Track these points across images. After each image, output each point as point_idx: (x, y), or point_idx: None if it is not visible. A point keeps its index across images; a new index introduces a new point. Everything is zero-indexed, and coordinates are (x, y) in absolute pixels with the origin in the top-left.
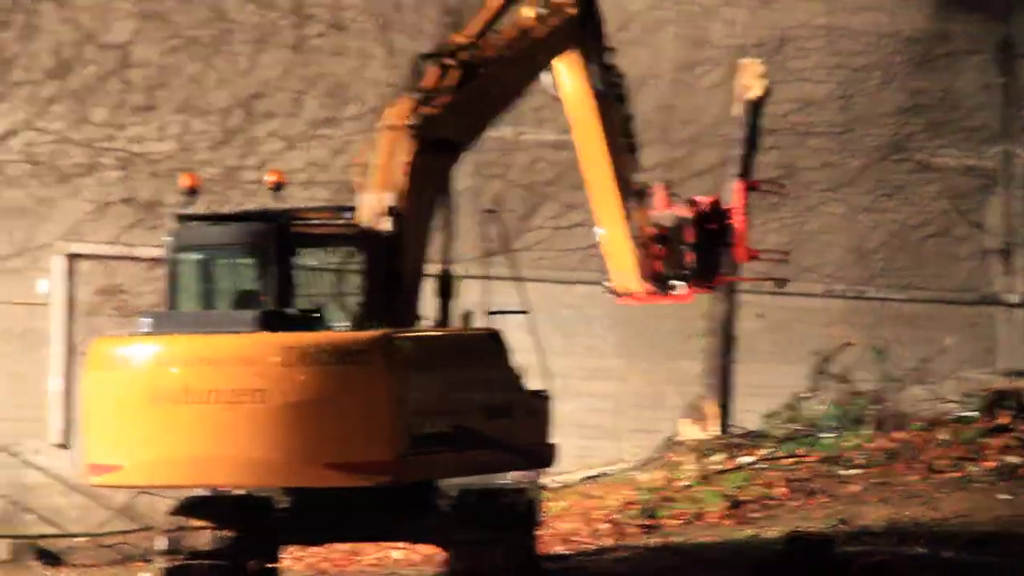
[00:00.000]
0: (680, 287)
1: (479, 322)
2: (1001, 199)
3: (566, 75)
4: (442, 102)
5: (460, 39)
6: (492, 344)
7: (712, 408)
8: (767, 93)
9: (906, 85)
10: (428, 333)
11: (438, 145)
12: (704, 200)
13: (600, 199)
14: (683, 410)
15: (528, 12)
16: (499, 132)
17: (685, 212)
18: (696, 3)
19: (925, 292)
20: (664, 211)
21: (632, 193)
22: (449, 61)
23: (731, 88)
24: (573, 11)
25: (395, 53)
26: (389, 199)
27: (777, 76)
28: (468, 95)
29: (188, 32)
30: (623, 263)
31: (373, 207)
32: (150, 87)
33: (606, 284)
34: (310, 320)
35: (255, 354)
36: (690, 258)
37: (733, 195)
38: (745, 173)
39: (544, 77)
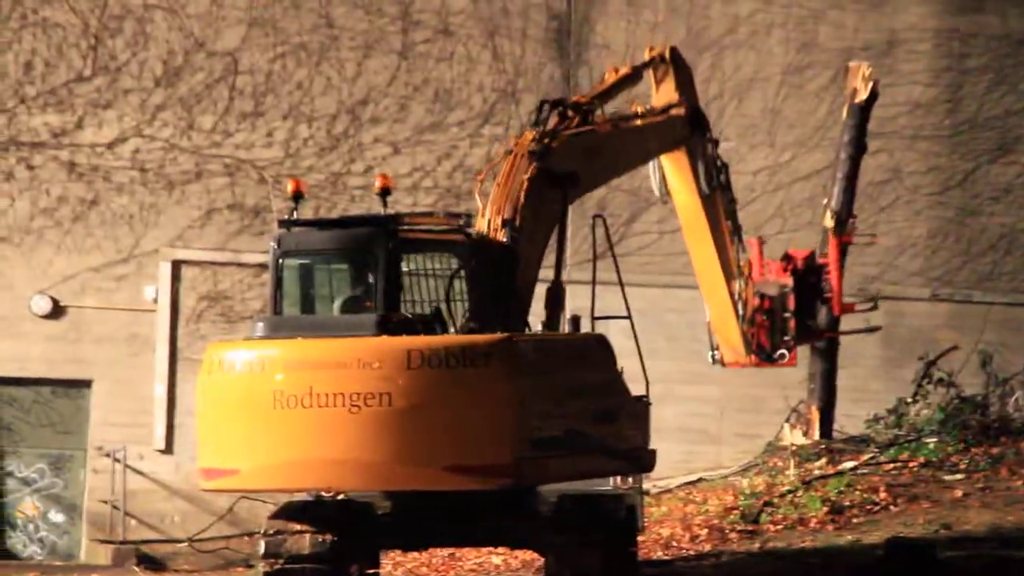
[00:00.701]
0: (785, 356)
1: (586, 327)
2: None
3: (672, 174)
4: (562, 140)
5: (579, 99)
6: (600, 349)
7: (815, 412)
8: (874, 96)
9: (1015, 88)
10: (544, 336)
11: (556, 176)
12: (799, 255)
13: (707, 284)
14: (787, 415)
15: (638, 108)
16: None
17: (783, 276)
18: (804, 6)
19: None
20: (766, 280)
21: (737, 274)
22: (570, 112)
23: (839, 91)
24: (680, 112)
25: (501, 58)
26: (506, 213)
27: (886, 79)
28: (586, 142)
29: (295, 39)
30: (731, 339)
31: (490, 221)
32: (257, 94)
33: (715, 354)
34: (427, 324)
35: (378, 357)
36: (793, 324)
37: (829, 249)
38: (852, 177)
39: (652, 179)
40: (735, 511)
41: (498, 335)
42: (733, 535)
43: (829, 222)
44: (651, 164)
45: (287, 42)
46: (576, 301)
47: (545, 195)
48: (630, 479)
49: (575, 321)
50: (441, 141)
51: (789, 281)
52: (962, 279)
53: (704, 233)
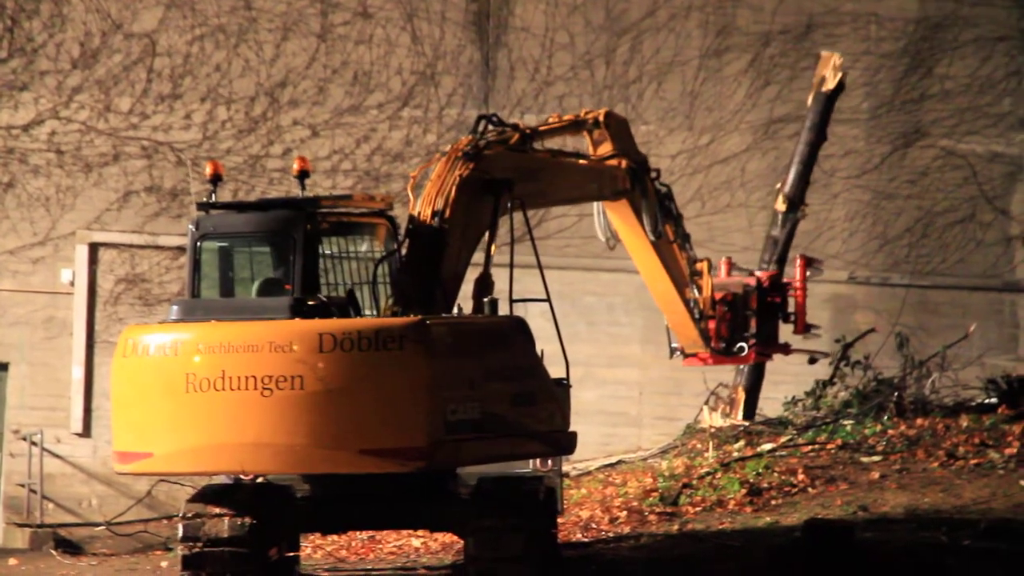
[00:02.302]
0: (744, 349)
1: (504, 310)
2: None
3: (618, 221)
4: (497, 151)
5: (520, 124)
6: (518, 332)
7: (741, 394)
8: (841, 86)
9: (931, 71)
10: (460, 319)
11: (489, 182)
12: (764, 274)
13: (661, 297)
14: (706, 398)
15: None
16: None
17: (749, 281)
18: None
19: (949, 279)
20: (731, 279)
21: (689, 280)
22: (508, 130)
23: (757, 75)
24: (619, 164)
25: (420, 41)
26: (436, 205)
27: (804, 63)
28: (522, 162)
29: (214, 20)
30: (687, 333)
31: (422, 209)
32: (175, 76)
33: (674, 346)
34: (344, 307)
35: (292, 341)
36: (754, 323)
37: (796, 270)
38: (809, 164)
39: (596, 224)
40: (654, 493)
41: (412, 318)
42: (652, 517)
43: (781, 206)
44: (595, 208)
45: (205, 24)
46: (497, 284)
47: (478, 198)
48: (549, 462)
49: (493, 304)
50: (360, 124)
51: (753, 282)
52: (879, 262)
53: (657, 267)
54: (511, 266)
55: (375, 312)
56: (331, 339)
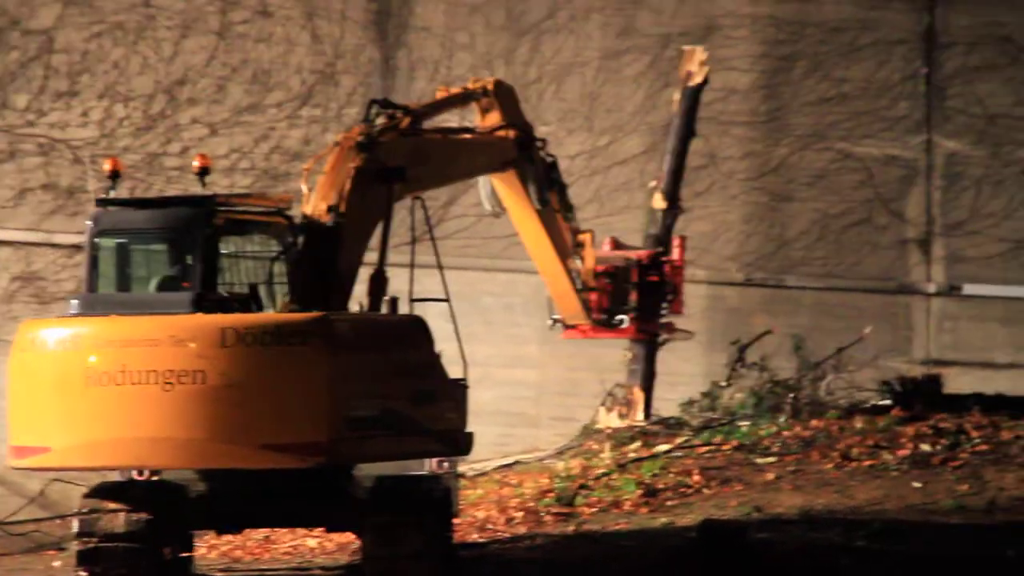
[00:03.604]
0: (624, 321)
1: (404, 309)
2: (922, 189)
3: (504, 192)
4: (390, 137)
5: (411, 103)
6: (418, 330)
7: (639, 394)
8: (707, 80)
9: (829, 75)
10: (362, 316)
11: (383, 171)
12: (644, 253)
13: (544, 267)
14: (603, 398)
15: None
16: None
17: (631, 255)
18: None
19: (844, 281)
20: (613, 253)
21: (573, 252)
22: (399, 113)
23: (657, 76)
24: (509, 134)
25: (320, 40)
26: (330, 200)
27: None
28: (414, 146)
29: (112, 18)
30: (569, 303)
31: (316, 204)
32: (73, 73)
33: (553, 318)
34: (245, 302)
35: (193, 335)
36: (634, 296)
37: (674, 250)
38: (680, 160)
39: (481, 193)
40: (550, 494)
41: (315, 314)
42: (548, 518)
43: (660, 203)
44: (480, 179)
45: (104, 21)
46: (395, 283)
47: (371, 188)
48: (446, 462)
49: (393, 303)
50: (259, 122)
51: (634, 256)
52: (775, 264)
53: (542, 237)
54: (412, 266)
55: (274, 310)
56: (233, 334)
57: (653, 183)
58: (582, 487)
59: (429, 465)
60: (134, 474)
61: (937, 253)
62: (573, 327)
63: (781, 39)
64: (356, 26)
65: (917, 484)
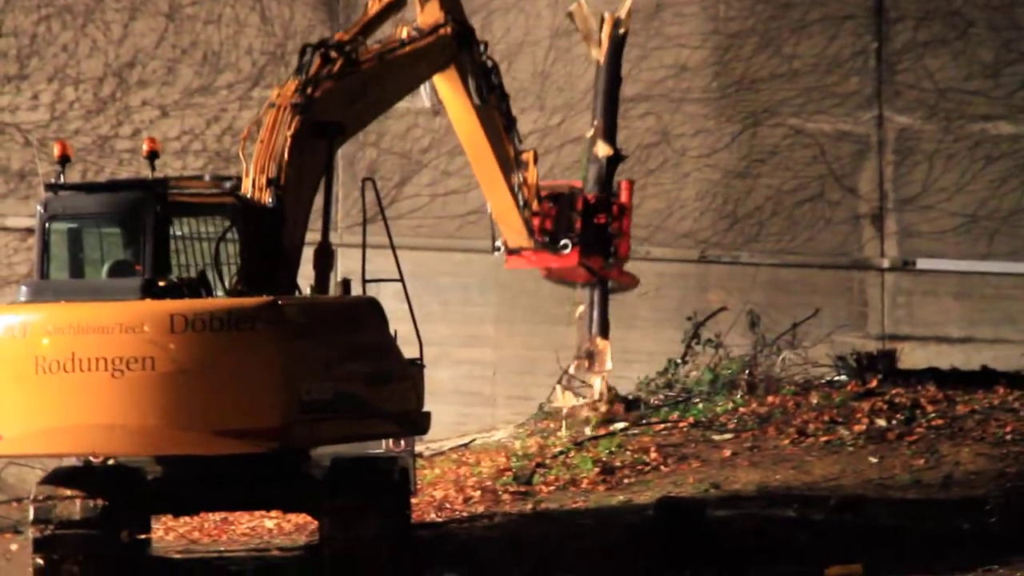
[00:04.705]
0: (568, 247)
1: (356, 291)
2: (874, 164)
3: (444, 89)
4: (325, 87)
5: (342, 36)
6: (371, 312)
7: (602, 343)
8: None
9: (780, 51)
10: (313, 300)
11: (321, 126)
12: (591, 195)
13: (486, 181)
14: (559, 376)
15: (404, 33)
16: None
17: (576, 184)
18: None
19: (798, 257)
20: (558, 182)
21: (515, 166)
22: (333, 53)
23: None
24: (446, 31)
25: (270, 21)
26: (270, 172)
27: (653, 42)
28: (351, 86)
29: (60, 1)
30: (512, 223)
31: (255, 180)
32: (22, 56)
33: (497, 244)
34: (195, 288)
35: (141, 321)
36: (579, 224)
37: (621, 192)
38: (615, 107)
39: (423, 92)
40: (508, 473)
41: (264, 298)
42: (506, 497)
43: (606, 150)
44: None
45: (52, 4)
46: (348, 264)
47: (310, 148)
48: (403, 442)
49: (345, 284)
50: (210, 104)
51: (579, 184)
52: (729, 240)
53: (480, 138)
54: (363, 246)
55: (225, 293)
56: (182, 320)
57: (591, 132)
58: (539, 466)
59: (386, 445)
60: (91, 459)
61: (890, 228)
62: (517, 253)
63: (731, 16)
64: (306, 7)
65: (873, 459)
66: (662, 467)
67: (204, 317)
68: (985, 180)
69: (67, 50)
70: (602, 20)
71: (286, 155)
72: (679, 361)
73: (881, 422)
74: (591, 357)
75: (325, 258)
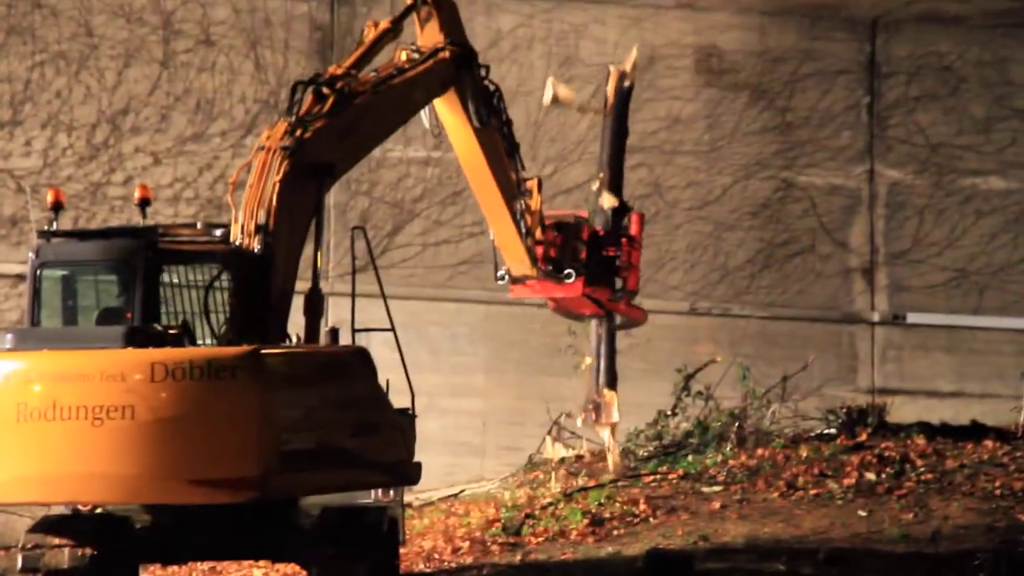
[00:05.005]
0: (571, 276)
1: (346, 339)
2: (865, 218)
3: (444, 111)
4: (316, 127)
5: (336, 70)
6: (359, 362)
7: (609, 395)
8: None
9: (773, 104)
10: (296, 349)
11: (311, 168)
12: (600, 229)
13: (489, 207)
14: (549, 427)
15: (403, 55)
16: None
17: (582, 214)
18: (566, 21)
19: (789, 310)
20: (563, 212)
21: (519, 193)
22: (325, 90)
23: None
24: (446, 55)
25: (263, 69)
26: (259, 218)
27: (646, 94)
28: (342, 123)
29: (55, 47)
30: (515, 251)
31: (244, 226)
32: (15, 102)
33: (501, 272)
34: (178, 336)
35: (122, 370)
36: (584, 255)
37: (631, 224)
38: (621, 159)
39: (423, 113)
40: (497, 523)
41: (245, 348)
42: (495, 547)
43: (611, 202)
44: None
45: (46, 50)
46: (339, 313)
47: (299, 192)
48: (392, 492)
49: (334, 333)
50: (203, 152)
51: (585, 215)
52: (720, 293)
53: (481, 162)
54: (353, 295)
55: (216, 341)
56: (163, 368)
57: (596, 183)
58: (528, 516)
59: (375, 495)
60: (79, 507)
61: (880, 282)
62: (521, 282)
63: (724, 69)
64: (300, 55)
65: (863, 513)
66: (651, 519)
67: (184, 366)
68: (975, 235)
69: (60, 96)
70: (621, 75)
71: (275, 200)
72: (669, 413)
73: (870, 476)
74: (598, 409)
75: (316, 305)
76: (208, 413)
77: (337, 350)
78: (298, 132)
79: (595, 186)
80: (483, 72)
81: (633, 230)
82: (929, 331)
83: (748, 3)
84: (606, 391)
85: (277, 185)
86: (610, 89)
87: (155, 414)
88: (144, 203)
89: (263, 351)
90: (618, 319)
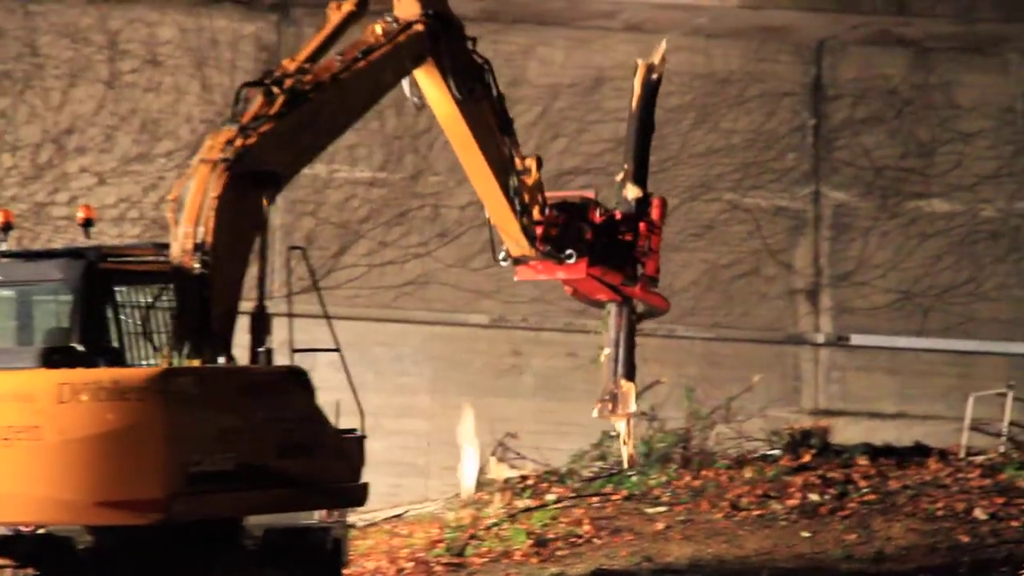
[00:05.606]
0: (572, 257)
1: (285, 360)
2: (810, 240)
3: (425, 83)
4: (263, 131)
5: (290, 64)
6: (292, 382)
7: (627, 386)
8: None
9: (717, 126)
10: (215, 369)
11: (255, 178)
12: (618, 212)
13: (480, 184)
14: (493, 448)
15: (377, 28)
16: (312, 169)
17: (589, 195)
18: (513, 43)
19: (733, 331)
20: (570, 192)
21: (514, 170)
22: (275, 89)
23: (547, 127)
24: (420, 28)
25: (210, 89)
26: (198, 235)
27: (592, 116)
28: (294, 123)
29: None
30: (509, 230)
31: (182, 244)
32: None
33: (502, 254)
34: (103, 356)
35: (30, 391)
36: (590, 236)
37: (652, 209)
38: (646, 151)
39: (404, 84)
40: (441, 544)
41: (153, 369)
42: (439, 568)
43: (636, 192)
44: None
45: None
46: (286, 333)
47: (241, 205)
48: (336, 512)
49: (268, 353)
50: (148, 172)
51: (592, 195)
52: (665, 315)
53: (467, 136)
54: (290, 315)
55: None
56: (70, 389)
57: (620, 175)
58: (472, 537)
59: (319, 515)
60: (20, 528)
61: (825, 304)
62: (525, 263)
63: (670, 90)
64: (246, 75)
65: (806, 533)
66: (595, 540)
67: (92, 387)
68: (919, 257)
69: (5, 116)
70: (649, 67)
71: (213, 217)
72: (613, 433)
73: (814, 497)
74: (615, 399)
75: (261, 322)
76: (114, 435)
77: (264, 370)
78: (239, 142)
79: (619, 177)
80: (469, 45)
81: (654, 215)
82: (873, 353)
83: (695, 25)
84: (623, 381)
85: (215, 200)
86: (637, 81)
87: (62, 435)
88: (88, 223)
89: (173, 372)
90: (639, 307)
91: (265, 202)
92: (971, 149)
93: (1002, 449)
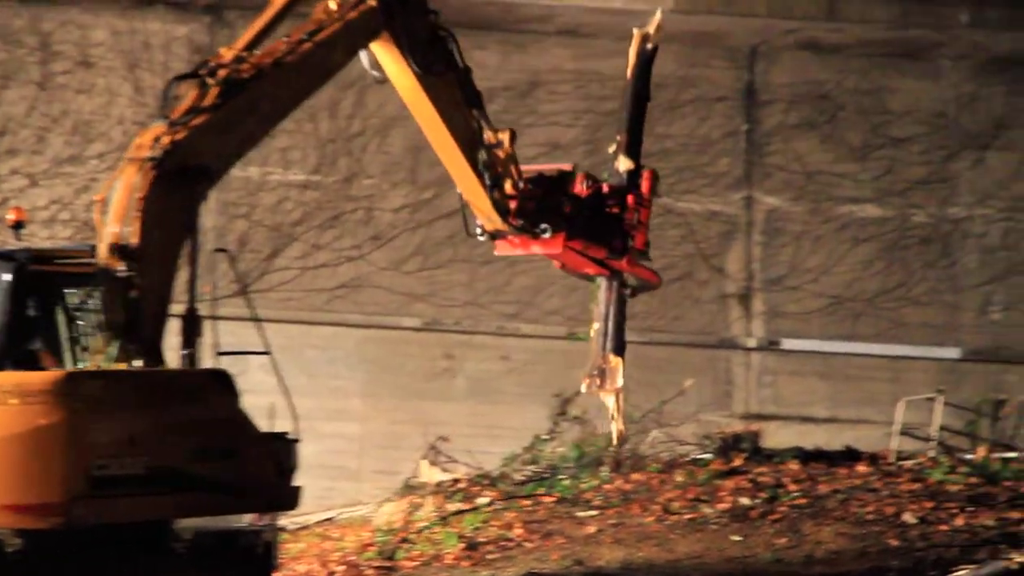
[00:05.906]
0: (548, 231)
1: (208, 362)
2: (742, 244)
3: (383, 58)
4: (195, 125)
5: (227, 54)
6: (213, 384)
7: (615, 361)
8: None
9: (652, 130)
10: (124, 373)
11: (185, 174)
12: (606, 184)
13: (447, 158)
14: (424, 452)
15: (331, 4)
16: (245, 172)
17: (566, 167)
18: None
19: (665, 335)
20: (548, 165)
21: (483, 144)
22: (209, 80)
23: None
24: (373, 3)
25: (142, 91)
26: (123, 236)
27: (526, 120)
28: (229, 114)
29: None
30: (481, 205)
31: (107, 245)
32: None
33: (477, 229)
34: (15, 360)
35: None
36: (569, 209)
37: (642, 182)
38: (640, 122)
39: (362, 59)
40: (372, 547)
41: (56, 373)
42: (370, 572)
43: (627, 164)
44: None
45: None
46: (222, 336)
47: (168, 204)
48: (266, 516)
49: (190, 356)
50: (80, 174)
51: (570, 168)
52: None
53: (430, 111)
54: (214, 317)
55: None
56: None
57: (613, 147)
58: (404, 540)
59: (250, 519)
60: None
61: (757, 308)
62: (502, 237)
63: (604, 95)
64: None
65: (736, 537)
66: (526, 543)
67: None
68: (851, 262)
69: None
70: (644, 37)
71: (139, 218)
72: (545, 437)
73: (745, 501)
74: (603, 375)
75: (193, 324)
76: (18, 438)
77: (183, 372)
78: (166, 138)
79: (612, 148)
80: (432, 17)
81: (644, 187)
82: (804, 357)
83: (628, 30)
84: (611, 356)
85: (141, 200)
86: (632, 51)
87: None
88: (18, 225)
89: (78, 376)
90: (630, 281)
91: (197, 200)
92: (903, 155)
93: (932, 454)
